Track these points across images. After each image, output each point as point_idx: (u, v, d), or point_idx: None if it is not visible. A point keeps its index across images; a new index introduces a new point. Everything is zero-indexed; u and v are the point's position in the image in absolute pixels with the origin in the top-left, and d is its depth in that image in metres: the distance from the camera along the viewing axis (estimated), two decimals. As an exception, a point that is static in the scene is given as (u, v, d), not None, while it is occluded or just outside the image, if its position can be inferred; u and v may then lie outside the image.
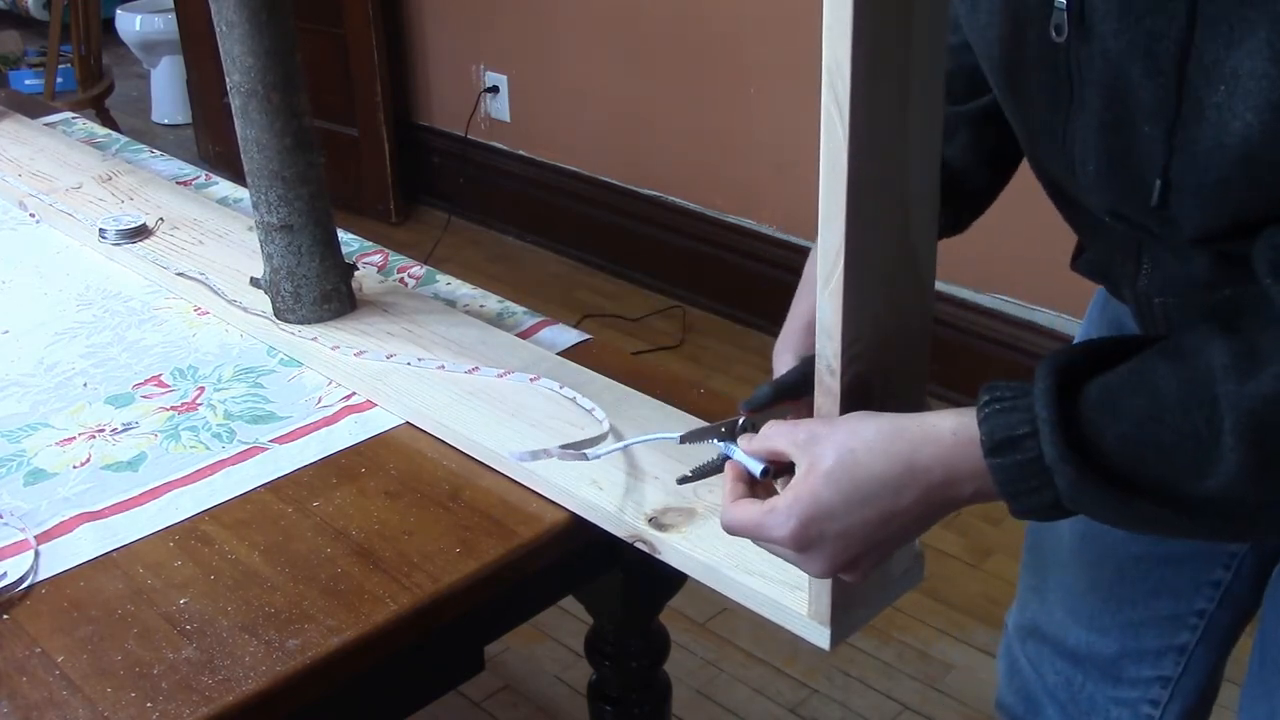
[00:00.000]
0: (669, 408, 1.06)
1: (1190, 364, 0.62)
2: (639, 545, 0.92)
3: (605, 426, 1.00)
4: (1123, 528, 0.67)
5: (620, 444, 0.94)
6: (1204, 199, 0.67)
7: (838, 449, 0.69)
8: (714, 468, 0.80)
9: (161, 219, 1.44)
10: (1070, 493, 0.64)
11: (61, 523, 0.96)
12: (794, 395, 0.80)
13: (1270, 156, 0.62)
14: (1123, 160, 0.70)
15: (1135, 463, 0.63)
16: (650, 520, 0.92)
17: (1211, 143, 0.64)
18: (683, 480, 0.80)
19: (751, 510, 0.72)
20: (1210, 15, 0.61)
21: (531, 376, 1.08)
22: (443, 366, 1.11)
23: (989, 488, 0.67)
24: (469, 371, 1.10)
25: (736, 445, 0.77)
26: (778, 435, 0.73)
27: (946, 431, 0.67)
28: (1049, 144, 0.76)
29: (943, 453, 0.67)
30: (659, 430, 1.02)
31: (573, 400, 1.05)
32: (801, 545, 0.71)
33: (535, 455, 0.93)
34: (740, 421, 0.78)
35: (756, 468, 0.75)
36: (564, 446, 0.93)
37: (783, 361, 0.83)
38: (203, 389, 1.14)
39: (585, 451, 0.93)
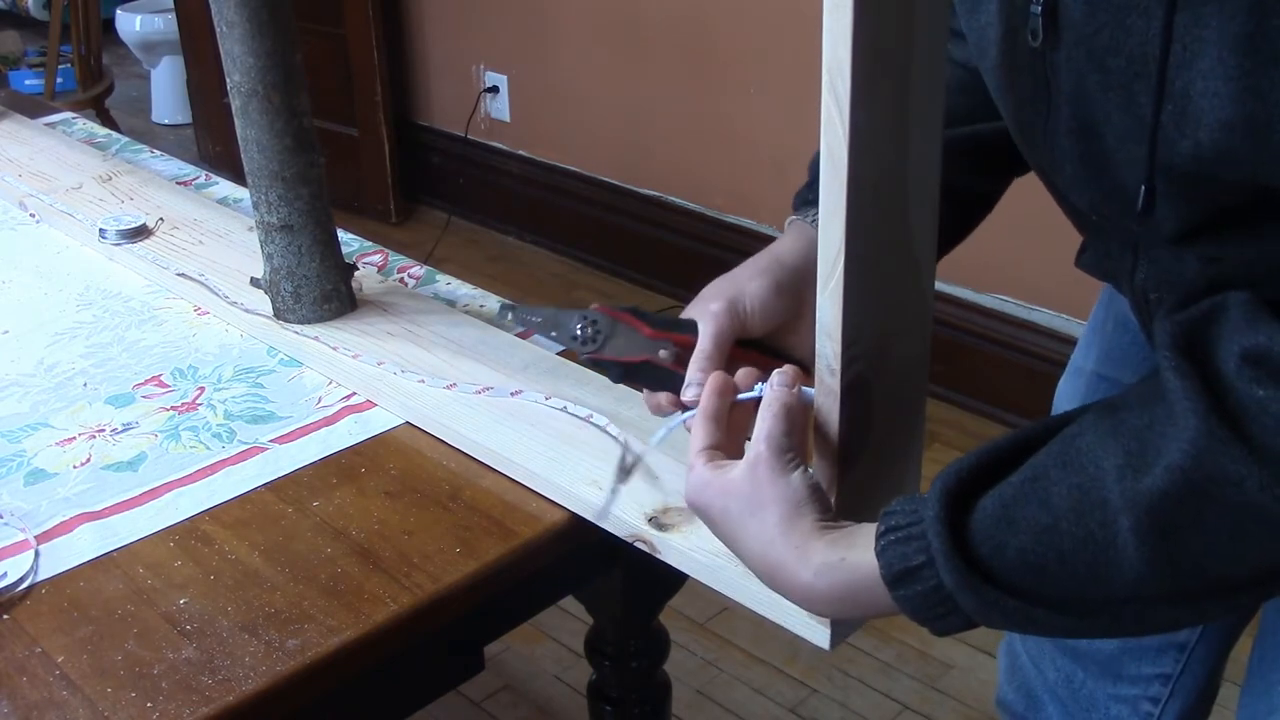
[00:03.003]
0: (669, 407, 1.06)
1: (1081, 467, 0.61)
2: (639, 545, 0.92)
3: (619, 436, 1.00)
4: (1043, 635, 0.67)
5: (674, 422, 0.88)
6: (1172, 205, 0.67)
7: (752, 510, 0.72)
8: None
9: (161, 219, 1.44)
10: (977, 614, 0.64)
11: (61, 523, 0.96)
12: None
13: (1230, 170, 0.62)
14: (1094, 165, 0.71)
15: (1037, 575, 0.62)
16: (650, 520, 0.92)
17: (1167, 158, 0.64)
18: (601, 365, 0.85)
19: (702, 470, 0.76)
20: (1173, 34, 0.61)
21: (514, 390, 1.07)
22: (423, 381, 1.10)
23: (876, 606, 0.68)
24: (447, 388, 1.09)
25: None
26: (764, 420, 0.74)
27: (838, 561, 0.69)
28: (1035, 145, 0.77)
29: (819, 568, 0.70)
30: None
31: (563, 410, 1.05)
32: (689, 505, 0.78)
33: (609, 506, 0.93)
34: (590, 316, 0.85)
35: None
36: (624, 469, 0.95)
37: (703, 315, 0.84)
38: (203, 389, 1.14)
39: (640, 454, 0.94)
